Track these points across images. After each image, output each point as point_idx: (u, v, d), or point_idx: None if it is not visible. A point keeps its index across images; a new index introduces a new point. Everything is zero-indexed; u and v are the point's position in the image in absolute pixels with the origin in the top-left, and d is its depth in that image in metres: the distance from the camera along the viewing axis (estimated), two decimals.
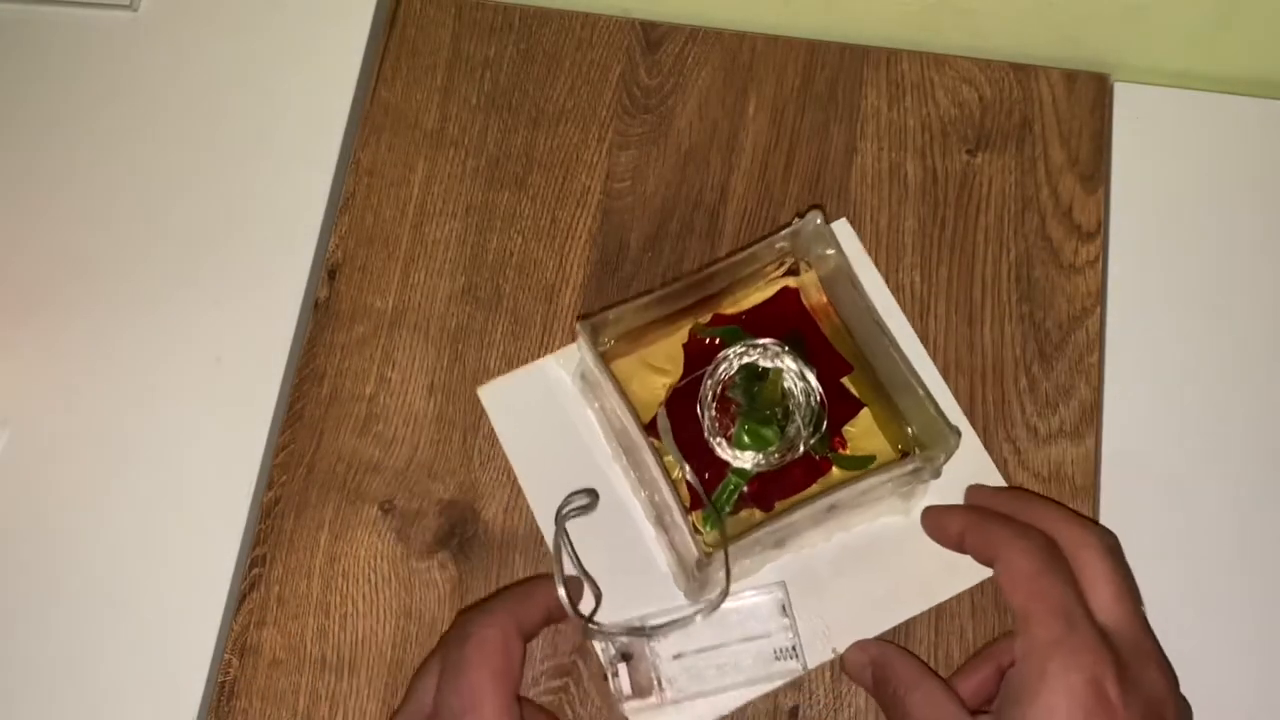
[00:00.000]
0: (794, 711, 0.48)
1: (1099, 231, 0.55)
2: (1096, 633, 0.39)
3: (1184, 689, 0.42)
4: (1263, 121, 0.57)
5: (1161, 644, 0.42)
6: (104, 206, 0.55)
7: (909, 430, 0.47)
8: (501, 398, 0.52)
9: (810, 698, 0.48)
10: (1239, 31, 0.56)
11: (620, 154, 0.57)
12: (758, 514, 0.48)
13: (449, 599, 0.50)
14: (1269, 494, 0.51)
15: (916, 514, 0.49)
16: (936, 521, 0.48)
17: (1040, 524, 0.43)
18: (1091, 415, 0.52)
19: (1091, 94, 0.57)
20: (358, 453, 0.52)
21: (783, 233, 0.48)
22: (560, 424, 0.51)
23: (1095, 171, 0.56)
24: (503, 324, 0.54)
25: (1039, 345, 0.53)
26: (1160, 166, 0.56)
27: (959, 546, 0.46)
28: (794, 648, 0.47)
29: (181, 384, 0.53)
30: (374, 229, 0.56)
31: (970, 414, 0.52)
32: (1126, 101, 0.57)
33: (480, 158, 0.57)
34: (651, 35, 0.59)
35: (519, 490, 0.51)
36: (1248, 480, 0.51)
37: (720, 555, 0.43)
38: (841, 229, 0.54)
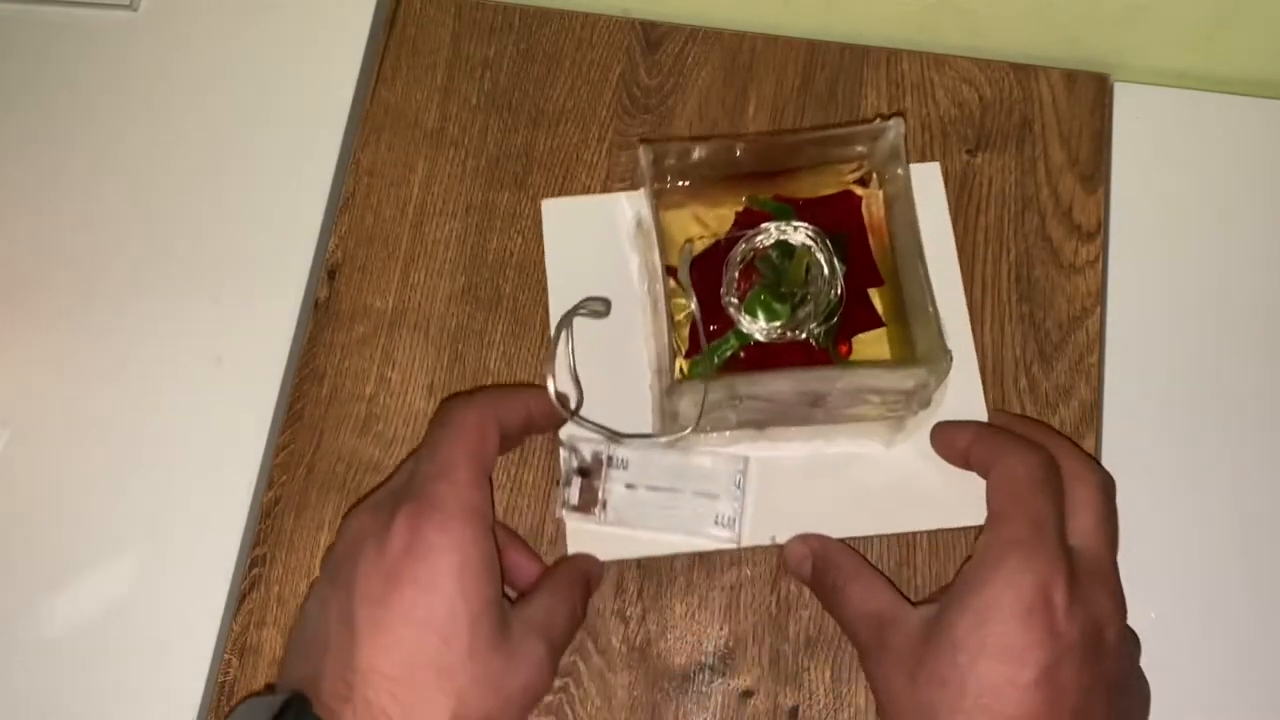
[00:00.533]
0: (794, 711, 0.48)
1: (1099, 231, 0.55)
2: (1060, 545, 0.40)
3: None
4: (1263, 121, 0.57)
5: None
6: (103, 206, 0.55)
7: (915, 354, 0.47)
8: (561, 215, 0.54)
9: (810, 698, 0.48)
10: (1239, 31, 0.56)
11: (620, 154, 0.57)
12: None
13: None
14: (1270, 494, 0.51)
15: (898, 449, 0.50)
16: (947, 435, 0.48)
17: (1048, 447, 0.44)
18: (1091, 415, 0.52)
19: (1091, 94, 0.57)
20: (358, 453, 0.52)
21: (862, 128, 0.48)
22: (605, 259, 0.53)
23: (1095, 171, 0.56)
24: (503, 324, 0.54)
25: (1039, 345, 0.53)
26: (1160, 166, 0.56)
27: (965, 460, 0.46)
28: (735, 520, 0.48)
29: (181, 384, 0.53)
30: (374, 229, 0.56)
31: None
32: (1126, 101, 0.57)
33: (480, 158, 0.57)
34: (651, 35, 0.59)
35: (519, 490, 0.51)
36: (1248, 480, 0.51)
37: (690, 385, 0.44)
38: (930, 171, 0.55)
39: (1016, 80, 0.58)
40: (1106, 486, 0.44)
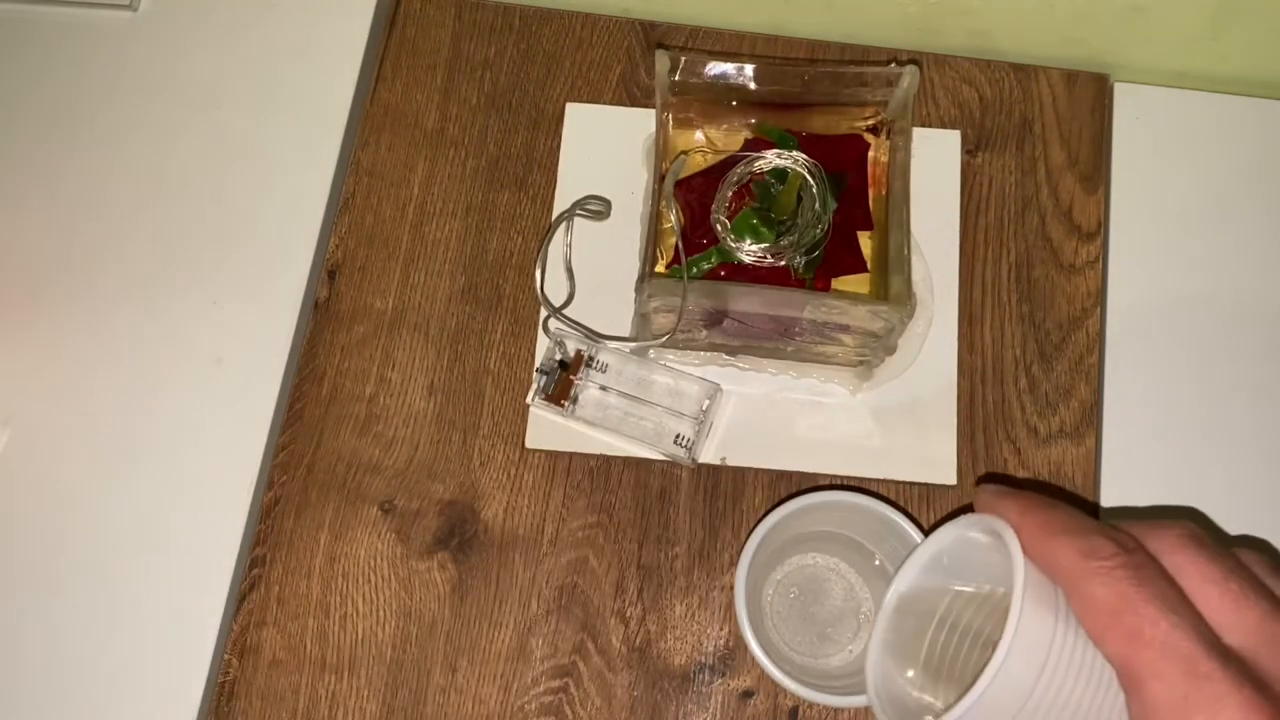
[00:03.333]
0: (794, 712, 0.48)
1: (1099, 232, 0.55)
2: (1233, 670, 0.28)
3: None
4: (1263, 121, 0.57)
5: None
6: (104, 206, 0.55)
7: (886, 297, 0.47)
8: (583, 120, 0.57)
9: None
10: (1239, 31, 0.56)
11: None
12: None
13: (449, 599, 0.50)
14: (1270, 494, 0.51)
15: (862, 397, 0.52)
16: (990, 502, 0.34)
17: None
18: (1091, 415, 0.52)
19: (1091, 94, 0.57)
20: (358, 453, 0.52)
21: (876, 69, 0.48)
22: (617, 170, 0.55)
23: (1095, 172, 0.56)
24: (503, 324, 0.54)
25: (1039, 345, 0.53)
26: (1160, 166, 0.56)
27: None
28: (691, 442, 0.50)
29: (181, 384, 0.53)
30: (374, 229, 0.56)
31: (970, 414, 0.52)
32: (1126, 101, 0.57)
33: (480, 158, 0.57)
34: (651, 35, 0.59)
35: (519, 490, 0.51)
36: (1248, 480, 0.51)
37: (661, 283, 0.45)
38: (949, 139, 0.56)
39: (1017, 80, 0.58)
40: (1197, 537, 0.31)
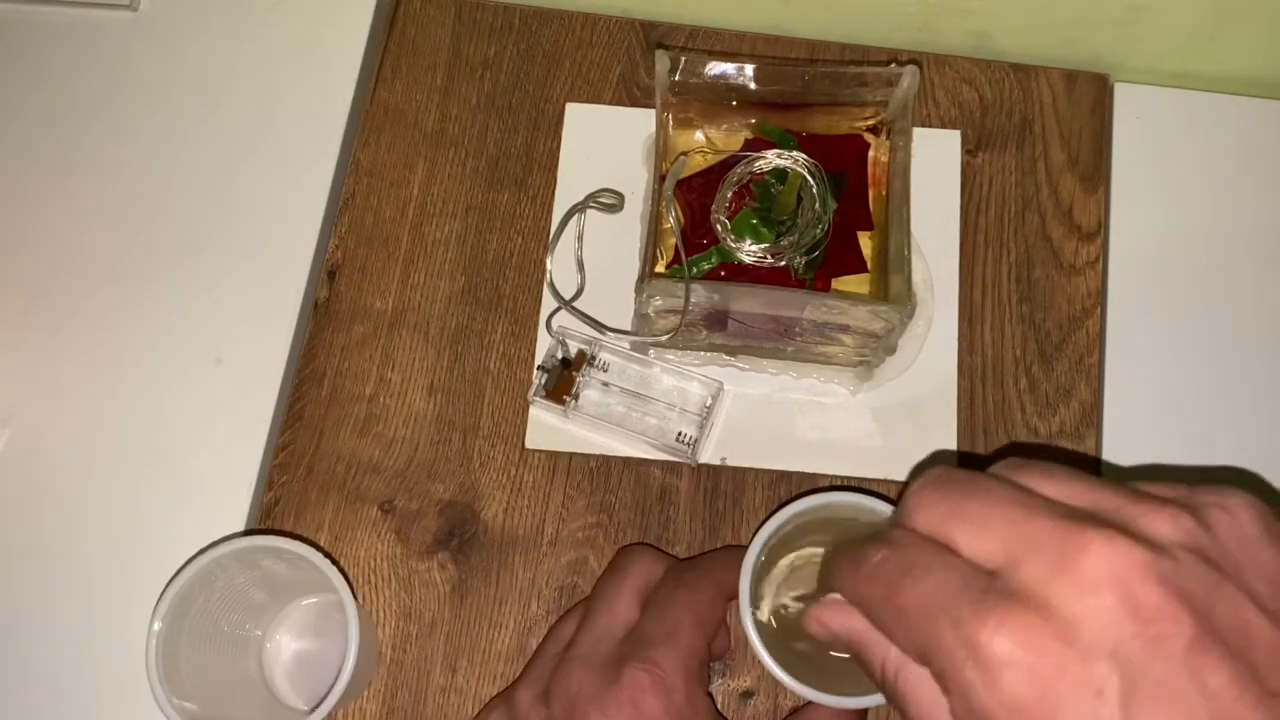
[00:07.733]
0: (794, 712, 0.48)
1: (1099, 232, 0.55)
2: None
3: None
4: (1263, 121, 0.57)
5: None
6: (103, 206, 0.55)
7: (887, 297, 0.47)
8: (583, 120, 0.57)
9: None
10: (1239, 31, 0.56)
11: None
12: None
13: (449, 599, 0.50)
14: (1270, 494, 0.51)
15: (862, 397, 0.52)
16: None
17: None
18: (1091, 416, 0.52)
19: (1092, 94, 0.57)
20: (357, 453, 0.52)
21: (876, 69, 0.48)
22: (617, 170, 0.55)
23: (1095, 172, 0.56)
24: (503, 324, 0.54)
25: (1039, 346, 0.53)
26: (1160, 167, 0.56)
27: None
28: (693, 440, 0.50)
29: (181, 384, 0.52)
30: (374, 229, 0.56)
31: (970, 414, 0.52)
32: (1126, 102, 0.57)
33: (480, 158, 0.57)
34: (651, 35, 0.59)
35: (519, 491, 0.51)
36: (1248, 480, 0.51)
37: (661, 283, 0.45)
38: (949, 139, 0.56)
39: (1017, 80, 0.58)
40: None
